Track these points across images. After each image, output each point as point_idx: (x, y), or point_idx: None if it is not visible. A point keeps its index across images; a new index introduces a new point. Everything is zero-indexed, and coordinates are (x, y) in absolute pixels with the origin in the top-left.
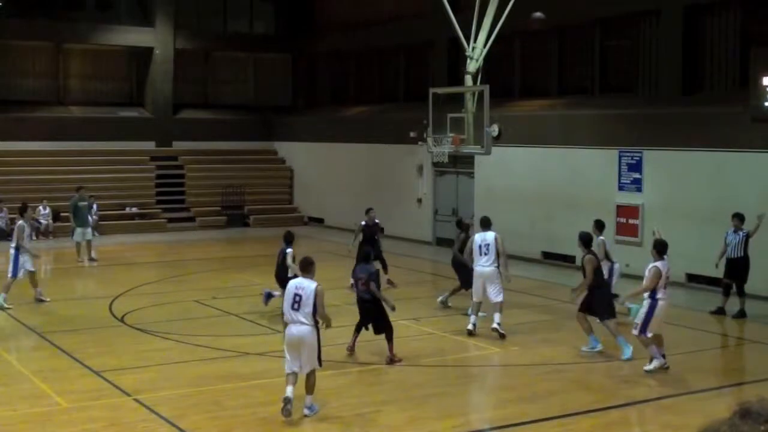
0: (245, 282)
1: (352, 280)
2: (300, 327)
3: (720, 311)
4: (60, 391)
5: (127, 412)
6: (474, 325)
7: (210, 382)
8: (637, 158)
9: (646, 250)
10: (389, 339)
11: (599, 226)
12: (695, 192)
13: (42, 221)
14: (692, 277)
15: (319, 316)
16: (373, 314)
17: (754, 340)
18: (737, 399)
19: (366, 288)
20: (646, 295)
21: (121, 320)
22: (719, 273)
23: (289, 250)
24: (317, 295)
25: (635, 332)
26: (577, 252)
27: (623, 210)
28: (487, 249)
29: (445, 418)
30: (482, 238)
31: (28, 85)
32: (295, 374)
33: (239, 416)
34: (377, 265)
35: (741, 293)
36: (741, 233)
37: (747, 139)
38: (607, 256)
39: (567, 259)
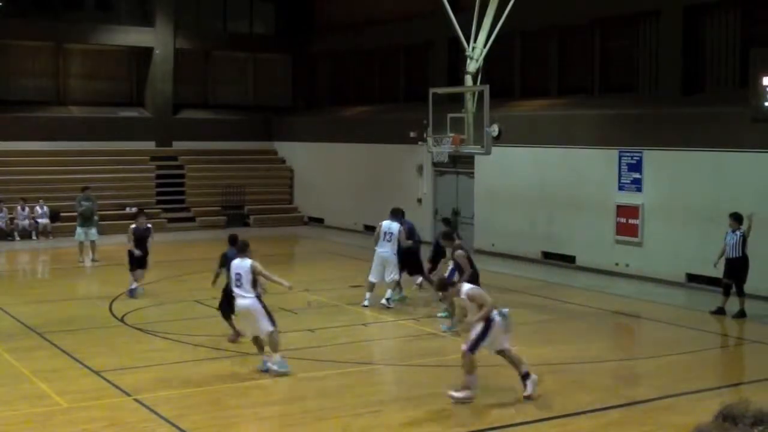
0: None
1: (420, 279)
2: (244, 300)
3: (720, 311)
4: (60, 391)
5: (127, 412)
6: (369, 301)
7: (210, 382)
8: (637, 158)
9: (646, 250)
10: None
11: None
12: (695, 192)
13: (39, 221)
14: (692, 277)
15: (271, 282)
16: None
17: (754, 340)
18: (737, 399)
19: None
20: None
21: (121, 320)
22: (719, 273)
23: (132, 227)
24: (254, 271)
25: (464, 347)
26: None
27: (623, 210)
28: (390, 237)
29: (445, 418)
30: (388, 226)
31: (28, 85)
32: (256, 338)
33: (239, 416)
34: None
35: (740, 293)
36: (738, 233)
37: (747, 139)
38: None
39: (567, 259)
